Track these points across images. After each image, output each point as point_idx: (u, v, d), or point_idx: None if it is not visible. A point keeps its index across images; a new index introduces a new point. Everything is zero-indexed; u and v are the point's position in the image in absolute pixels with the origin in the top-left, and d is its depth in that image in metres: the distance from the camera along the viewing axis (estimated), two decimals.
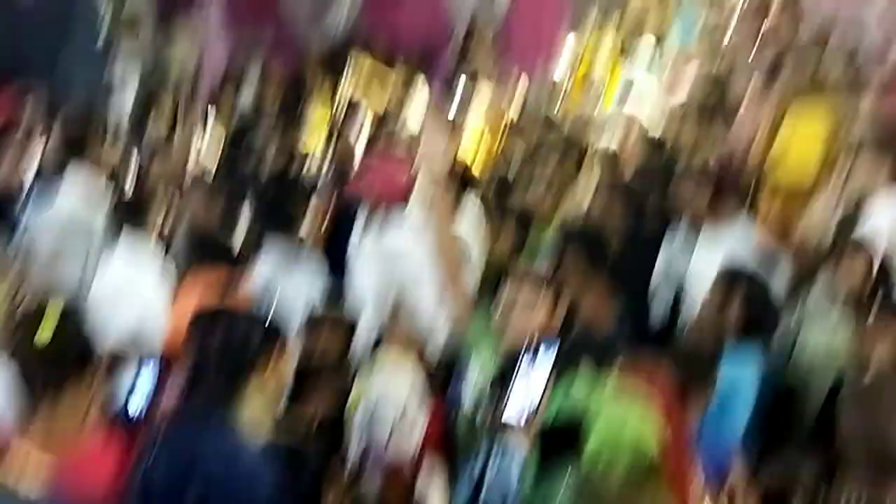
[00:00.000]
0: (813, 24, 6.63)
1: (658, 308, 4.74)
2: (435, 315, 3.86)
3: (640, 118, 6.65)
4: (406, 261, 4.21)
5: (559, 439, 2.17)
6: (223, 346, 2.28)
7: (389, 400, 3.32)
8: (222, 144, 6.76)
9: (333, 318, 3.76)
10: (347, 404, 3.31)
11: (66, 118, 5.61)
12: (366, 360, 3.74)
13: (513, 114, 7.50)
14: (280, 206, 4.58)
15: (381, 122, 7.06)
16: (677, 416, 2.54)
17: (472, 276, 4.23)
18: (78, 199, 4.52)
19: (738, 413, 3.37)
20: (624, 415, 2.12)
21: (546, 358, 2.71)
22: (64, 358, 1.89)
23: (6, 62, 7.35)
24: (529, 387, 2.70)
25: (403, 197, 4.54)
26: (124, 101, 7.84)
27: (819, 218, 4.95)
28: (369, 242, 4.47)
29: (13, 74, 6.93)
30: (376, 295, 4.17)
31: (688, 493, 2.54)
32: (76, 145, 4.98)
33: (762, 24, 7.18)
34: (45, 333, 1.91)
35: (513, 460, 2.91)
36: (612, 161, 5.67)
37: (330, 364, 3.44)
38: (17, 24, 7.51)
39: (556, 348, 2.79)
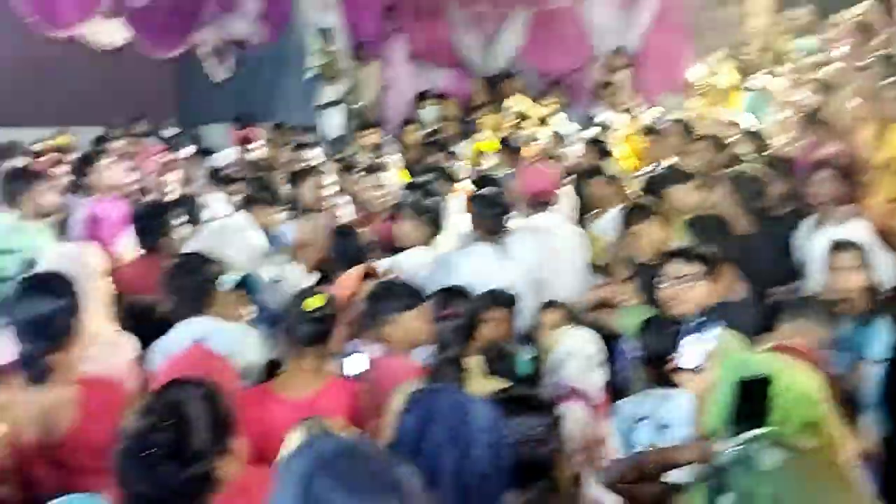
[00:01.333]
0: None
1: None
2: (577, 283, 4.55)
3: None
4: (554, 237, 4.88)
5: (748, 394, 2.09)
6: (457, 324, 3.23)
7: (577, 352, 3.63)
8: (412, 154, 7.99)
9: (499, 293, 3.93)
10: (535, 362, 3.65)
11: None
12: (534, 324, 4.21)
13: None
14: (489, 197, 5.04)
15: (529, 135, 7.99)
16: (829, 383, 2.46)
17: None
18: None
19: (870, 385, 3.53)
20: (801, 375, 2.15)
21: (711, 325, 2.82)
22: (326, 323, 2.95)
23: (241, 98, 9.62)
24: (699, 344, 2.79)
25: (554, 190, 5.66)
26: (329, 123, 9.63)
27: None
28: (525, 223, 5.08)
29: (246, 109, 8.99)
30: (532, 267, 4.60)
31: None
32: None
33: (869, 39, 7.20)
34: (314, 302, 2.98)
35: (680, 403, 3.02)
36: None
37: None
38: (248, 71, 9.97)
39: (717, 319, 2.89)
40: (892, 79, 5.90)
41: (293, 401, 2.94)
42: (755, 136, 6.79)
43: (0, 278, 4.24)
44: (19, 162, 6.49)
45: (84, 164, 6.40)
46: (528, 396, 2.42)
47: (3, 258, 4.62)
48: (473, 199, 5.06)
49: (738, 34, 9.73)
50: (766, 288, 4.41)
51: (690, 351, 2.81)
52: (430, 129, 8.71)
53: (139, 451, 1.66)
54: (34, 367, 2.99)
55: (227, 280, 3.75)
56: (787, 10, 9.42)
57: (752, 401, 2.27)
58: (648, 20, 10.09)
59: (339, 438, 1.73)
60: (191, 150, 7.79)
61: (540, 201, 5.63)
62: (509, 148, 7.13)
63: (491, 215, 4.74)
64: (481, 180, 5.96)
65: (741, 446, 1.65)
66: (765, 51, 9.07)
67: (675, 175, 5.66)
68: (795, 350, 2.74)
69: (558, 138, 7.71)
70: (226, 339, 3.33)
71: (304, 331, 3.01)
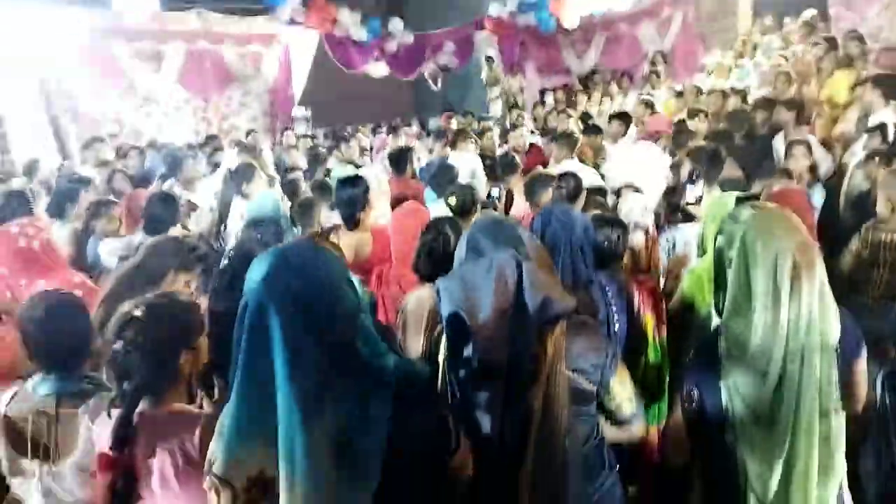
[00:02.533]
0: (843, 27, 7.68)
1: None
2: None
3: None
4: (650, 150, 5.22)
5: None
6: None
7: (638, 202, 3.69)
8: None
9: None
10: None
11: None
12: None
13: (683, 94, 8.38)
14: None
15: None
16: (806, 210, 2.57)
17: None
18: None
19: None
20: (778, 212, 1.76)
21: (698, 179, 3.18)
22: None
23: (447, 98, 11.57)
24: (694, 189, 3.15)
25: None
26: (494, 108, 11.60)
27: (850, 120, 5.68)
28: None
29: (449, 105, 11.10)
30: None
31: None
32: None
33: (811, 34, 8.17)
34: None
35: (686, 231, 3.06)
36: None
37: None
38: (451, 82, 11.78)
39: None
40: (826, 54, 6.88)
41: None
42: (743, 92, 7.59)
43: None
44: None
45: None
46: (613, 218, 2.46)
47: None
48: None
49: (730, 34, 10.09)
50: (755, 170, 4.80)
51: (690, 193, 3.16)
52: (550, 108, 10.09)
53: None
54: (350, 222, 3.37)
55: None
56: (758, 18, 9.83)
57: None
58: (676, 32, 10.74)
59: (493, 215, 1.63)
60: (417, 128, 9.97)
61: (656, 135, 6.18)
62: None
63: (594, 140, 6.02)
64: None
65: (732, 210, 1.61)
66: (746, 44, 9.48)
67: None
68: (781, 193, 2.80)
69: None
70: None
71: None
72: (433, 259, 2.18)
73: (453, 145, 6.17)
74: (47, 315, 1.86)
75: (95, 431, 1.65)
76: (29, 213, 4.06)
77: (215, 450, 1.27)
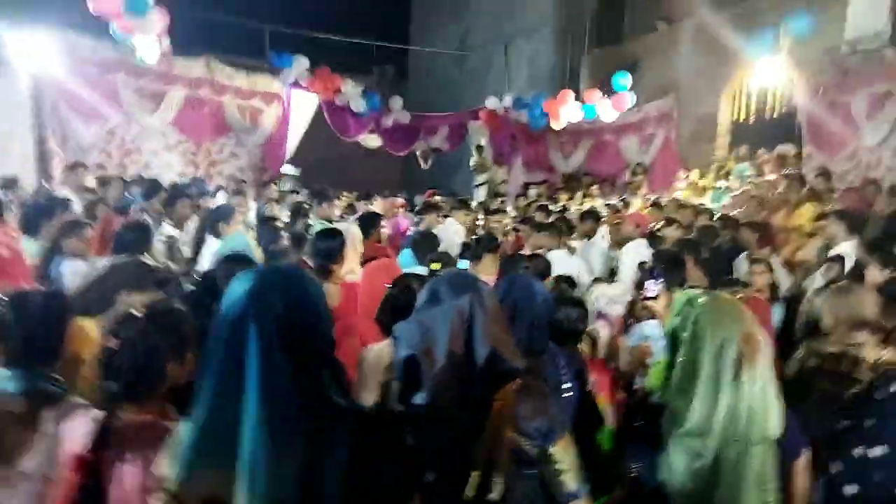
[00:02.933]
0: (814, 165, 8.33)
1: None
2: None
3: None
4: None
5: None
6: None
7: (604, 295, 4.34)
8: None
9: None
10: None
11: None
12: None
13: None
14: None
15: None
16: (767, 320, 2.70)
17: None
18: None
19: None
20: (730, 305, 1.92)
21: (659, 277, 3.15)
22: None
23: (434, 178, 11.82)
24: (655, 286, 3.12)
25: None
26: (479, 194, 11.99)
27: (812, 247, 5.87)
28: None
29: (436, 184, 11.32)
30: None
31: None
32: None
33: (783, 167, 8.70)
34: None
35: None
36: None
37: None
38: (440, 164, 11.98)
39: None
40: (793, 186, 7.28)
41: None
42: (710, 212, 7.84)
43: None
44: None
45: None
46: (573, 298, 2.65)
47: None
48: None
49: (707, 158, 10.77)
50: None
51: (652, 289, 3.18)
52: (531, 200, 10.50)
53: None
54: (322, 272, 3.39)
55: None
56: (735, 147, 10.51)
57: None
58: (657, 148, 11.45)
59: (457, 270, 1.73)
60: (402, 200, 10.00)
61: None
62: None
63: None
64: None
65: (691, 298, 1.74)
66: (721, 168, 10.22)
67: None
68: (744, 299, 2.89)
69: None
70: None
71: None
72: (396, 310, 2.19)
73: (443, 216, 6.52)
74: (23, 306, 1.82)
75: (65, 432, 1.61)
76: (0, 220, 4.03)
77: (170, 466, 1.22)
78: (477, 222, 7.60)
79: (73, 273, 3.75)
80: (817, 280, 4.90)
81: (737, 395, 1.48)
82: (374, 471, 1.22)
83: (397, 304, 2.27)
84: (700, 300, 1.61)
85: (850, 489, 1.70)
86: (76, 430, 1.54)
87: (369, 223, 5.43)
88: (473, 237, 6.08)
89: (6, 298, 1.86)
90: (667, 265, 3.45)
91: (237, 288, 1.23)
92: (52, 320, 1.87)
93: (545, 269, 3.82)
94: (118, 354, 1.53)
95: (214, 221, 4.75)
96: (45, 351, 1.84)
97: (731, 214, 7.46)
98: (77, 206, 5.77)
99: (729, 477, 1.48)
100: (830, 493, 1.80)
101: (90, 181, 7.27)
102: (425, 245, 4.31)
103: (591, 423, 2.07)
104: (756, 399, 1.51)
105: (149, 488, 1.41)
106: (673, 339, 1.63)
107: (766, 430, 1.52)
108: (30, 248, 4.03)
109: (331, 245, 3.43)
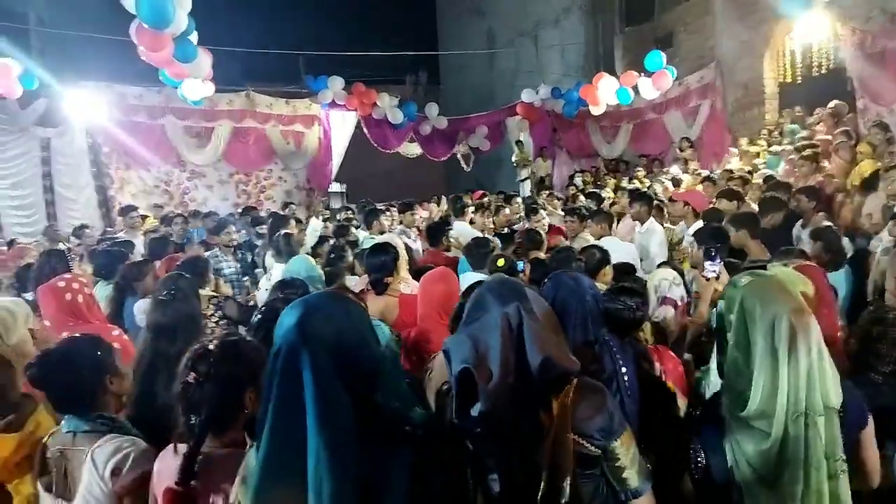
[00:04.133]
0: (870, 119, 7.93)
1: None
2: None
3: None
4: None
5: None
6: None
7: (667, 278, 3.91)
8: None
9: None
10: None
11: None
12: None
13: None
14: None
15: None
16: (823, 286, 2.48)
17: None
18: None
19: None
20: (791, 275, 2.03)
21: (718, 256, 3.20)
22: None
23: (477, 179, 11.90)
24: (713, 266, 3.16)
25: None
26: (524, 189, 11.92)
27: (874, 207, 5.55)
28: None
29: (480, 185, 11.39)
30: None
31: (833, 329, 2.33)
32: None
33: (837, 124, 8.37)
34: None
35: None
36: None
37: None
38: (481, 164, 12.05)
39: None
40: (849, 142, 7.15)
41: None
42: (771, 177, 7.64)
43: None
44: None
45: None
46: (631, 287, 2.49)
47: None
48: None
49: (757, 124, 10.42)
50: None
51: (710, 269, 3.20)
52: (577, 189, 10.48)
53: None
54: (378, 286, 3.51)
55: None
56: (786, 109, 10.16)
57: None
58: (703, 120, 11.13)
59: (501, 276, 1.68)
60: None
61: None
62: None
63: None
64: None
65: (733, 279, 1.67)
66: (772, 133, 9.85)
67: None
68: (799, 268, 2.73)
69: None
70: None
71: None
72: None
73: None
74: (46, 363, 1.94)
75: (159, 466, 1.70)
76: (67, 269, 4.24)
77: (240, 494, 1.29)
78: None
79: (145, 312, 3.70)
80: (885, 240, 4.68)
81: (796, 368, 1.47)
82: (437, 485, 1.25)
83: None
84: (742, 281, 1.59)
85: None
86: (166, 464, 1.62)
87: (437, 231, 5.51)
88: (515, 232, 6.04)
89: (50, 352, 1.99)
90: (708, 242, 3.39)
91: (287, 320, 1.30)
92: (77, 366, 1.95)
93: (600, 260, 3.78)
94: (198, 389, 1.60)
95: (279, 248, 4.93)
96: (78, 394, 1.94)
97: (786, 180, 7.16)
98: (139, 247, 6.03)
99: (798, 453, 1.47)
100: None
101: (150, 222, 7.70)
102: (478, 250, 4.30)
103: (659, 410, 2.01)
104: (814, 369, 1.50)
105: None
106: (720, 324, 1.61)
107: (827, 400, 1.51)
108: (102, 293, 4.22)
109: (383, 259, 3.50)
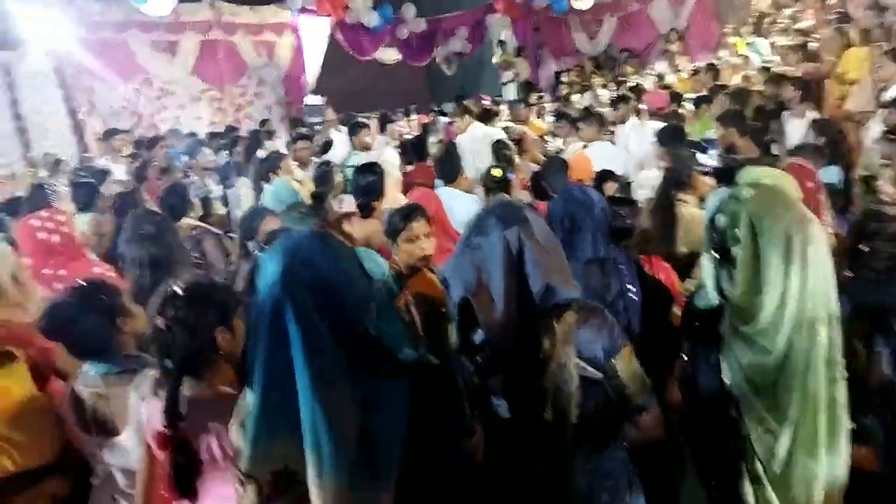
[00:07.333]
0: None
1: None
2: None
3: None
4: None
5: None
6: None
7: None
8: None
9: None
10: None
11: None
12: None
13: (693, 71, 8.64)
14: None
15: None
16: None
17: None
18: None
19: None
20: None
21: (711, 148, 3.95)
22: None
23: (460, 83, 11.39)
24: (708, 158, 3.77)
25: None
26: (508, 91, 11.48)
27: (862, 95, 5.73)
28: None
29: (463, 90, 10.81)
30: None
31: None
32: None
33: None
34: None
35: None
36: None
37: None
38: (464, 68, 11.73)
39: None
40: (841, 26, 6.82)
41: None
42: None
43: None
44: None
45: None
46: (623, 197, 2.65)
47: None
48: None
49: (745, 10, 9.89)
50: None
51: (708, 162, 3.70)
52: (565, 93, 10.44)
53: None
54: (365, 209, 3.51)
55: None
56: None
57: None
58: (690, 8, 10.56)
59: (503, 199, 1.75)
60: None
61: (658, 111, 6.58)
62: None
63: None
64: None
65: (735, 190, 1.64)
66: (761, 19, 9.46)
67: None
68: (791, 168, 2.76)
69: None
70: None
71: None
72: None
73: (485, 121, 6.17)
74: (54, 317, 1.95)
75: (147, 410, 1.71)
76: (48, 206, 4.08)
77: (239, 438, 1.31)
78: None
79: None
80: (873, 129, 4.66)
81: (805, 280, 1.47)
82: (434, 412, 1.26)
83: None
84: (744, 194, 1.55)
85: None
86: (154, 408, 1.64)
87: (420, 146, 5.28)
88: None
89: (57, 304, 1.98)
90: (667, 143, 3.51)
91: (268, 270, 1.27)
92: (87, 317, 1.95)
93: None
94: (168, 333, 1.60)
95: (266, 171, 4.75)
96: (97, 343, 1.96)
97: (774, 70, 7.12)
98: (119, 174, 5.90)
99: (799, 361, 1.48)
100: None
101: (127, 147, 7.42)
102: (448, 164, 4.10)
103: (663, 319, 2.08)
104: (819, 276, 1.50)
105: (230, 457, 1.50)
106: (719, 237, 1.56)
107: (829, 307, 1.51)
108: (84, 222, 4.08)
109: (370, 180, 3.40)
